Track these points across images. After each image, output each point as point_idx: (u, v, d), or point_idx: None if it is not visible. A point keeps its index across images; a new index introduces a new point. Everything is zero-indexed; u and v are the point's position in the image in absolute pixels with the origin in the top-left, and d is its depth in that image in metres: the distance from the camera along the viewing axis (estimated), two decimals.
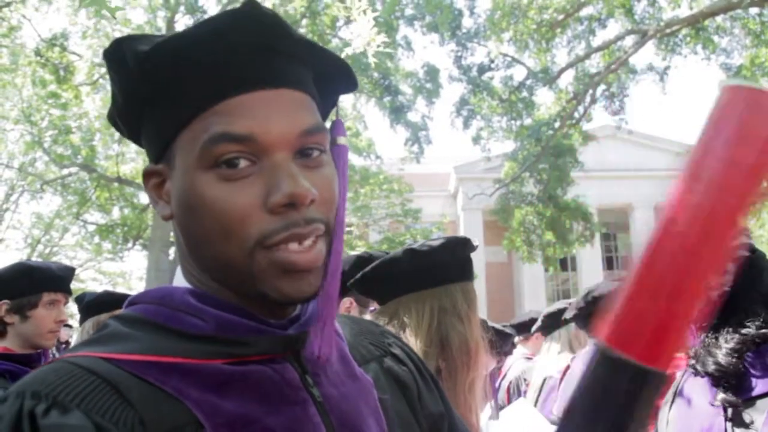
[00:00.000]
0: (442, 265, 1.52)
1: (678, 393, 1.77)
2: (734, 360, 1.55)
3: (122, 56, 0.71)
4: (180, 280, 0.78)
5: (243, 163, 0.68)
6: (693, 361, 1.70)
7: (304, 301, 0.74)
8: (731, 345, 1.56)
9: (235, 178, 0.68)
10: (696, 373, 1.70)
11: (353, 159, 17.40)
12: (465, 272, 1.57)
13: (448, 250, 1.54)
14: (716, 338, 1.62)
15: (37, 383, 0.64)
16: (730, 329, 1.59)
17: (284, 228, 0.68)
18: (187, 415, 0.66)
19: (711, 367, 1.60)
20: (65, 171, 16.53)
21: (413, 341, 1.44)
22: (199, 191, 0.69)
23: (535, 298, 23.83)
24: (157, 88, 0.71)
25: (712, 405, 1.59)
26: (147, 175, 0.77)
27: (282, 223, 0.68)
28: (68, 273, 2.58)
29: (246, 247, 0.68)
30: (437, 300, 1.50)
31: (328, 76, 0.80)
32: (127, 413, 0.63)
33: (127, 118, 0.77)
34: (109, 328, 0.74)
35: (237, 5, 0.70)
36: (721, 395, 1.57)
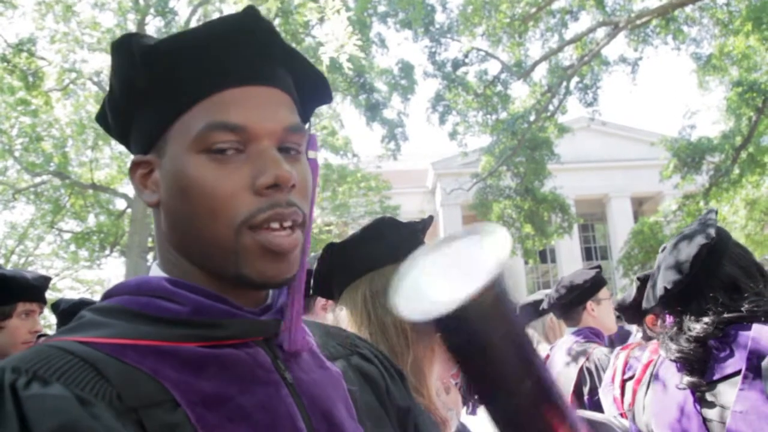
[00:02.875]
0: (372, 250, 1.49)
1: (654, 376, 1.80)
2: (697, 347, 1.58)
3: (129, 47, 0.76)
4: (156, 272, 0.81)
5: (231, 152, 0.74)
6: (662, 348, 1.73)
7: (279, 285, 0.78)
8: (693, 334, 1.58)
9: (224, 161, 0.74)
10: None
11: (330, 158, 17.35)
12: (400, 253, 1.52)
13: (375, 235, 1.52)
14: (680, 325, 1.65)
15: (16, 361, 0.67)
16: (692, 317, 1.62)
17: (269, 207, 0.73)
18: (164, 393, 0.68)
19: (675, 355, 1.63)
20: (38, 179, 16.28)
21: (356, 332, 1.39)
22: (190, 172, 0.74)
23: (515, 290, 23.95)
24: (158, 78, 0.77)
25: (679, 388, 1.62)
26: (135, 165, 0.81)
27: (267, 203, 0.73)
28: (43, 282, 2.53)
29: (233, 225, 0.73)
30: (368, 285, 1.47)
31: (307, 86, 0.86)
32: (105, 388, 0.66)
33: (119, 111, 0.82)
34: (84, 318, 0.76)
35: (238, 10, 0.78)
36: (686, 378, 1.60)
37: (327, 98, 0.92)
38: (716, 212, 1.79)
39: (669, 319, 1.75)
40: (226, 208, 0.73)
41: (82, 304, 2.90)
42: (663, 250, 1.77)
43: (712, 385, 1.54)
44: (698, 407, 1.56)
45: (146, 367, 0.69)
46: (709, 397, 1.55)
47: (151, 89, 0.77)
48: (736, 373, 1.50)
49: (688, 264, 1.63)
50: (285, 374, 0.78)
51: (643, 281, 2.62)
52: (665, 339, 1.68)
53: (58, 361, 0.66)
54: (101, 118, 0.86)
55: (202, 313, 0.74)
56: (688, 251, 1.65)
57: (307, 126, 0.89)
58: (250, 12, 0.78)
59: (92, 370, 0.66)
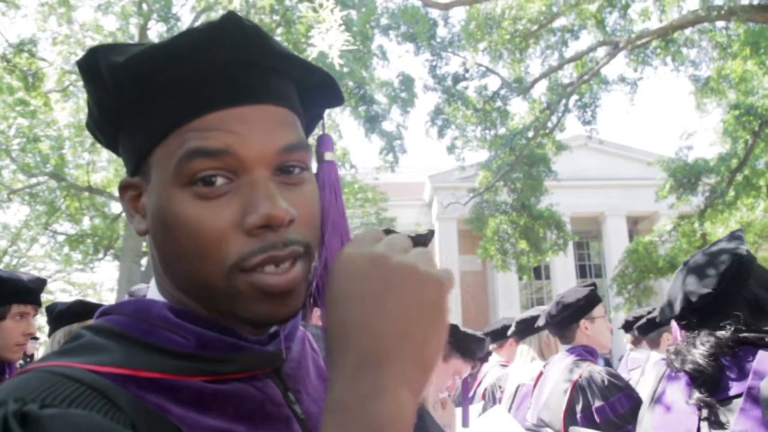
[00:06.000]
0: None
1: (657, 398, 1.79)
2: (711, 361, 1.56)
3: (97, 66, 0.68)
4: (155, 294, 0.75)
5: (220, 181, 0.65)
6: (672, 358, 1.70)
7: (281, 323, 0.72)
8: (706, 348, 1.57)
9: (211, 197, 0.65)
10: (675, 373, 1.71)
11: None
12: None
13: None
14: (694, 339, 1.63)
15: (18, 390, 0.58)
16: (707, 332, 1.60)
17: (261, 250, 0.65)
18: (172, 427, 0.63)
19: (689, 366, 1.61)
20: (33, 180, 16.25)
21: None
22: (174, 209, 0.66)
23: (509, 306, 23.98)
24: (131, 102, 0.69)
25: (688, 404, 1.60)
26: (123, 187, 0.74)
27: (259, 245, 0.65)
28: (39, 285, 2.51)
29: (224, 268, 0.66)
30: None
31: (312, 89, 0.77)
32: (119, 415, 0.59)
33: (104, 128, 0.75)
34: (83, 338, 0.69)
35: (216, 17, 0.67)
36: (696, 395, 1.58)
37: (337, 99, 0.81)
38: (743, 231, 1.78)
39: (679, 333, 1.73)
40: (214, 250, 0.65)
41: (79, 305, 2.82)
42: (685, 265, 1.74)
43: (723, 402, 1.53)
44: (702, 426, 1.56)
45: (149, 401, 0.62)
46: (712, 417, 1.54)
47: (125, 112, 0.70)
48: (740, 396, 1.50)
49: (718, 278, 1.60)
50: (295, 407, 0.73)
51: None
52: (680, 351, 1.66)
53: (65, 390, 0.58)
54: (90, 128, 0.78)
55: (207, 347, 0.68)
56: (717, 265, 1.62)
57: (320, 126, 0.82)
58: (231, 18, 0.66)
59: (103, 398, 0.59)
